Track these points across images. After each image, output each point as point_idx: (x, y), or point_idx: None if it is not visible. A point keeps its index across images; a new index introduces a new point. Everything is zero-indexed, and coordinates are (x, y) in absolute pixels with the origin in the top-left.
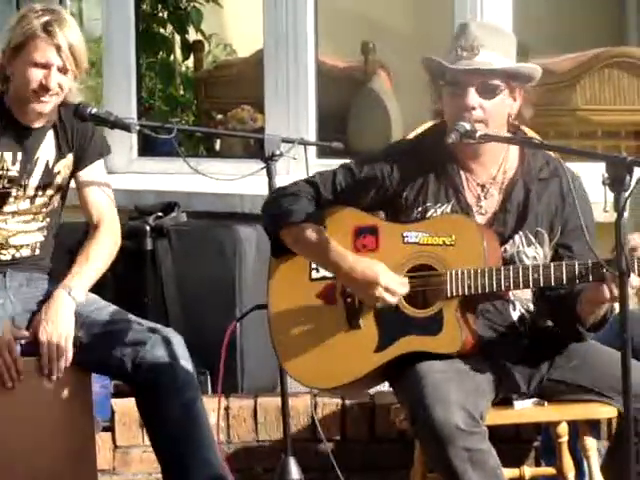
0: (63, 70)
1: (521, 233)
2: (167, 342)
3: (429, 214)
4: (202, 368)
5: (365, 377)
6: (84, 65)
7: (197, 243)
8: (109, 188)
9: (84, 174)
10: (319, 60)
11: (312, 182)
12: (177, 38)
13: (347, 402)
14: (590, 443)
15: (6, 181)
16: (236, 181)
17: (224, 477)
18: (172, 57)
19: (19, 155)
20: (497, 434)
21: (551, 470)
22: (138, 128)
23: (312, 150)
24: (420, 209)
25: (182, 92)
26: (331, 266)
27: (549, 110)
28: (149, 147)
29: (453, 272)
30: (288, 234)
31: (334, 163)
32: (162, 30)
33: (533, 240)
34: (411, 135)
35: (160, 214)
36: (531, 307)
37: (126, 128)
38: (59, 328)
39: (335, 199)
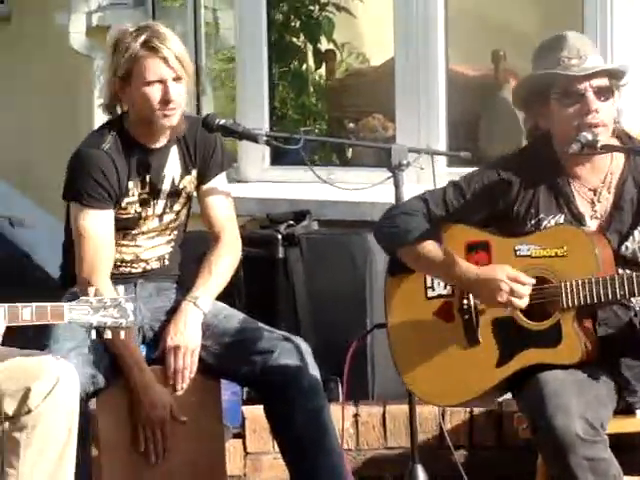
0: (177, 79)
1: (639, 228)
2: (295, 350)
3: (543, 225)
4: (332, 375)
5: (487, 392)
6: (191, 71)
7: (328, 251)
8: (230, 200)
9: (207, 188)
10: (449, 68)
11: (423, 199)
12: (309, 47)
13: (475, 410)
14: None
15: (137, 205)
16: (367, 189)
17: None
18: (304, 66)
19: (147, 178)
20: (624, 442)
21: None
22: (265, 139)
23: (442, 159)
24: (533, 222)
25: (314, 101)
26: (457, 278)
27: None
28: (281, 156)
29: (568, 283)
30: (408, 253)
31: (465, 172)
32: (294, 39)
33: None
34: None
35: (292, 222)
36: None
37: (253, 139)
38: (186, 340)
39: (446, 216)
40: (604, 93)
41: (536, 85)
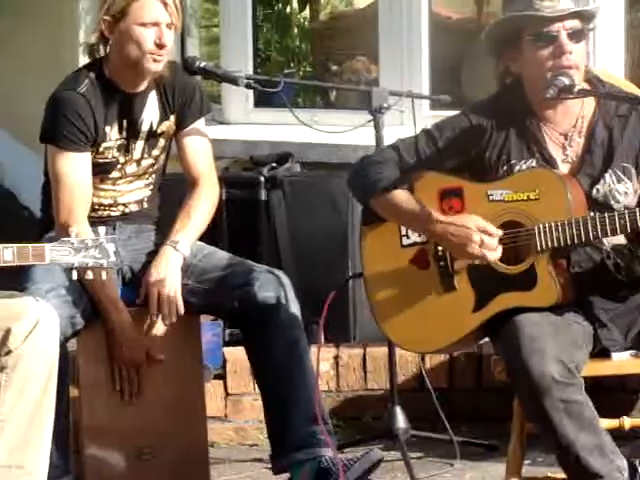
0: (170, 25)
1: (610, 171)
2: (275, 283)
3: (515, 170)
4: (314, 317)
5: (465, 337)
6: (181, 20)
7: (310, 194)
8: (209, 146)
9: (185, 133)
10: (433, 11)
11: (395, 147)
12: None
13: (455, 352)
14: None
15: (115, 150)
16: (349, 132)
17: (321, 418)
18: (289, 8)
19: (124, 123)
20: (603, 384)
21: None
22: (245, 81)
23: (426, 102)
24: (505, 167)
25: (298, 43)
26: (425, 228)
27: None
28: (265, 98)
29: (541, 226)
30: (378, 202)
31: (448, 115)
32: None
33: (622, 176)
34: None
35: (274, 165)
36: (625, 252)
37: (234, 82)
38: (167, 284)
39: (418, 164)
40: (577, 35)
41: (508, 28)
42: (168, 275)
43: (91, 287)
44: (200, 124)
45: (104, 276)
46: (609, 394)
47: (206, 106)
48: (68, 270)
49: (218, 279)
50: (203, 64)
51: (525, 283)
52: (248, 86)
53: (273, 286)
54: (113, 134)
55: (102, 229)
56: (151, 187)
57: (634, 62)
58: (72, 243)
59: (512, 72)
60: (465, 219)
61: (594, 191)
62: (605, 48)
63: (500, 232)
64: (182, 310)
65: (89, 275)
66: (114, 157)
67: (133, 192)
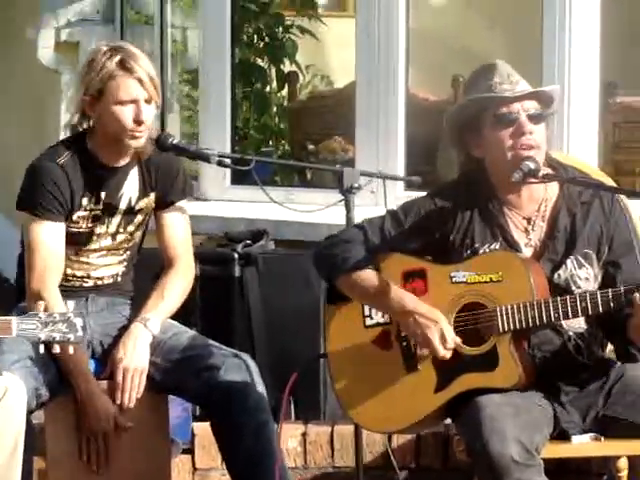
0: (148, 100)
1: (572, 257)
2: (241, 367)
3: (479, 254)
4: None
5: (427, 417)
6: (160, 93)
7: (284, 271)
8: (188, 229)
9: (165, 212)
10: (410, 93)
11: (361, 228)
12: (272, 68)
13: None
14: None
15: (90, 221)
16: (323, 211)
17: None
18: (268, 87)
19: (102, 195)
20: (569, 467)
21: None
22: (218, 159)
23: (401, 183)
24: (469, 251)
25: (276, 121)
26: (391, 308)
27: (635, 148)
28: (242, 176)
29: (503, 307)
30: (345, 282)
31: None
32: (258, 60)
33: (584, 262)
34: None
35: (249, 242)
36: (585, 334)
37: (205, 159)
38: (134, 362)
39: (384, 244)
40: (536, 117)
41: (470, 112)
42: (135, 352)
43: (61, 357)
44: (182, 206)
45: (71, 350)
46: (575, 477)
47: (189, 187)
48: (35, 343)
49: (184, 359)
50: (175, 141)
51: (487, 364)
52: (220, 164)
53: (239, 370)
54: (89, 205)
55: (71, 303)
56: (125, 264)
57: (609, 147)
58: (40, 317)
59: (474, 157)
60: (439, 314)
61: (555, 276)
62: (579, 133)
63: (451, 349)
64: (141, 393)
65: (56, 349)
66: (88, 227)
67: (107, 267)
